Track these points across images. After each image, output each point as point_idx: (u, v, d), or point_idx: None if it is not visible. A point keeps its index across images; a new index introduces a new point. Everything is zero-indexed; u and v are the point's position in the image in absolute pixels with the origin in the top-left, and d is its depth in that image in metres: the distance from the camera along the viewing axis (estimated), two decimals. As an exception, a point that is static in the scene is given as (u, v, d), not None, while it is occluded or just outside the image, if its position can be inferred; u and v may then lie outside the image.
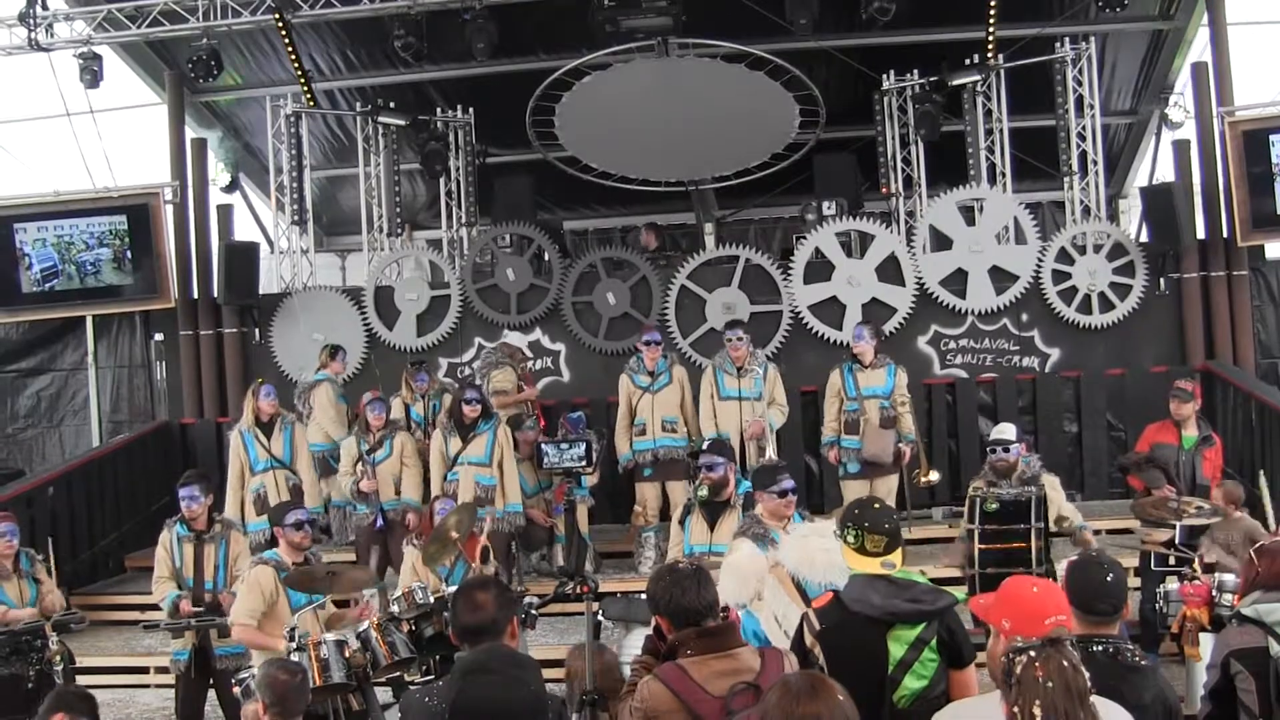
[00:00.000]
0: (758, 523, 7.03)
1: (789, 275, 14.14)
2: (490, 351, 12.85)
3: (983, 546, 8.26)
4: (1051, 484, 8.57)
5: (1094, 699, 3.52)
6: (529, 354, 13.60)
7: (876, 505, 5.01)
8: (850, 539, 4.82)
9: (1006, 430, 8.92)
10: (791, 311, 14.04)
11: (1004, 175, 14.56)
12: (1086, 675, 3.45)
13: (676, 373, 11.78)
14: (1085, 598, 4.31)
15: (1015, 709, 3.40)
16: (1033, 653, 3.46)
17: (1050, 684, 3.37)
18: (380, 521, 10.91)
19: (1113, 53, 16.05)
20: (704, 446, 9.11)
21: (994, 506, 8.27)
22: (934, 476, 11.78)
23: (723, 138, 14.36)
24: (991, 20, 14.05)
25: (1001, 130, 14.60)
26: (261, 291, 15.22)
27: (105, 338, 15.78)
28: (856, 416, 11.40)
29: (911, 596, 4.67)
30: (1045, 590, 3.92)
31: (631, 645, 7.06)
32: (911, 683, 4.59)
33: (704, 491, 8.37)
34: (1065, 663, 3.43)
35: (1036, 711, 3.35)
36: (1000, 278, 13.88)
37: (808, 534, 5.74)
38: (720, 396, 11.39)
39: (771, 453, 10.86)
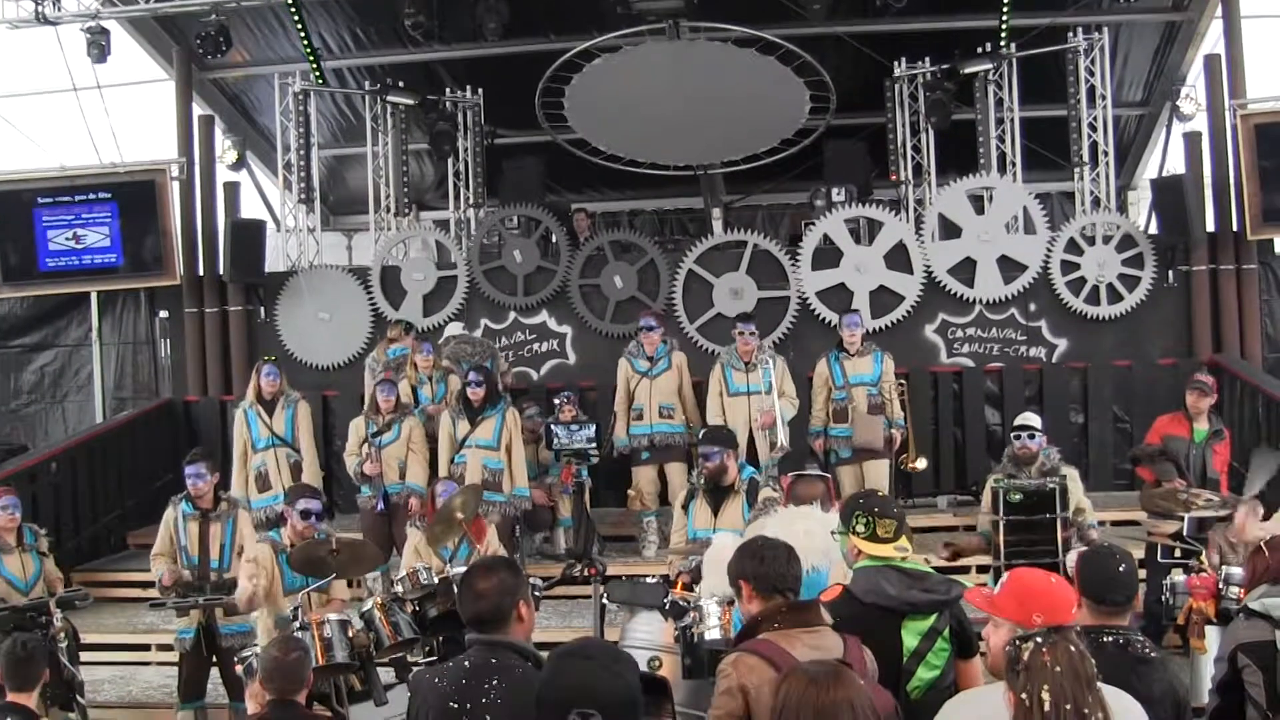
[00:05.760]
0: (775, 508, 6.99)
1: (797, 261, 14.12)
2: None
3: (1009, 538, 8.23)
4: (1072, 475, 8.51)
5: (1104, 688, 3.51)
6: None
7: (879, 493, 5.00)
8: (861, 528, 4.78)
9: (1031, 418, 8.89)
10: (799, 297, 14.01)
11: (1014, 165, 14.51)
12: (1093, 661, 3.44)
13: (676, 359, 11.73)
14: (1097, 588, 4.30)
15: (1023, 695, 3.39)
16: (1039, 639, 3.45)
17: (1059, 669, 3.37)
18: (381, 505, 10.90)
19: (1125, 43, 15.99)
20: (700, 435, 9.09)
21: (1018, 498, 8.24)
22: (921, 464, 11.81)
23: (733, 122, 14.31)
24: (1005, 9, 14.03)
25: (1012, 119, 14.57)
26: (267, 270, 15.15)
27: (110, 314, 15.76)
28: (845, 405, 11.38)
29: (926, 587, 4.64)
30: (1060, 581, 3.92)
31: (636, 629, 7.03)
32: (924, 673, 4.56)
33: (701, 480, 8.39)
34: (1072, 649, 3.43)
35: (1045, 697, 3.34)
36: (1009, 267, 13.86)
37: (793, 517, 5.68)
38: (729, 393, 11.29)
39: (784, 442, 10.84)
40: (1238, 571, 6.80)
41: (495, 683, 3.97)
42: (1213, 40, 14.85)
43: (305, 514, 7.71)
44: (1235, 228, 13.73)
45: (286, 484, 10.65)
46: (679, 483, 10.77)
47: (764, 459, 10.92)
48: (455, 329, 13.37)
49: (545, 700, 3.49)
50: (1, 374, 16.07)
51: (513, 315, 14.57)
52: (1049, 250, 13.80)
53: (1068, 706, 3.33)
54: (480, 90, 15.84)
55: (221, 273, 14.86)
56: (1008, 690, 3.49)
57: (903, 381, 11.69)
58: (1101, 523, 11.09)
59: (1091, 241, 13.82)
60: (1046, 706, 3.33)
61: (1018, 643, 3.51)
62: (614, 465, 12.32)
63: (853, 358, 11.43)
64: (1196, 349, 13.64)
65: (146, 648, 10.62)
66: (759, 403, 11.13)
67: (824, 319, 13.86)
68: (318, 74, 15.57)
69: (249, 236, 14.68)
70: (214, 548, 8.56)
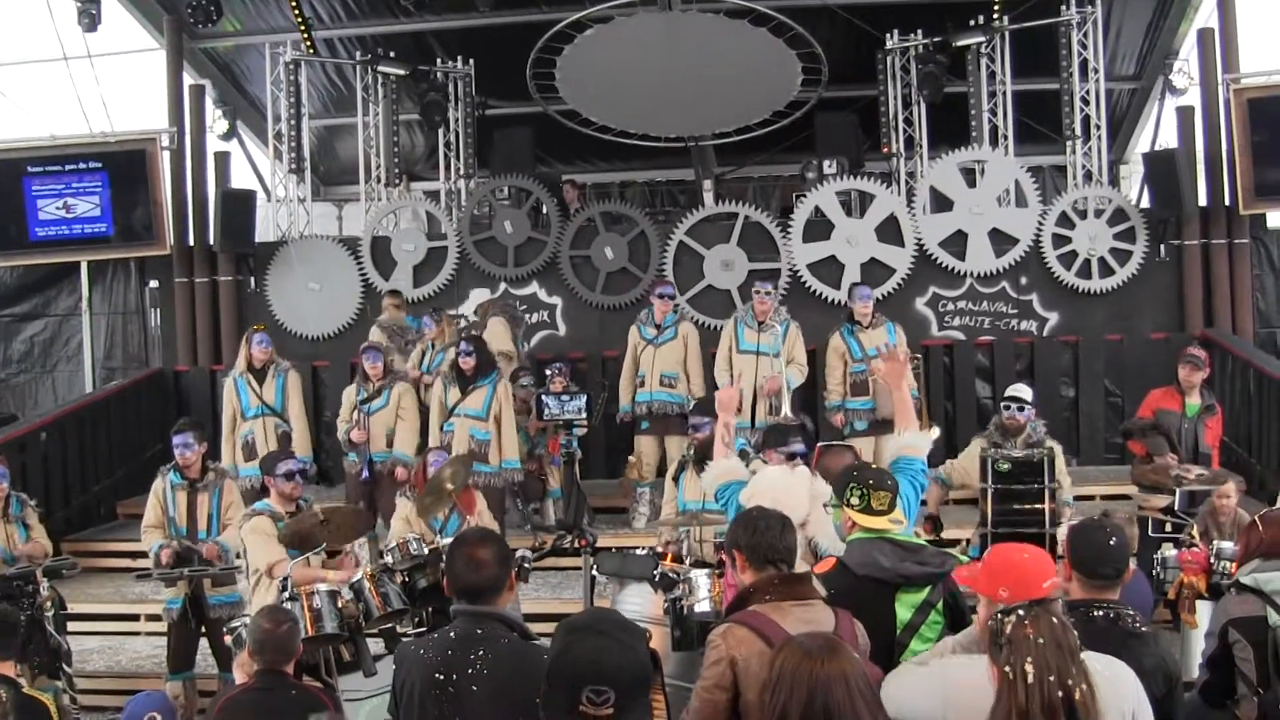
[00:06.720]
0: None
1: (788, 233, 14.07)
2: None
3: (996, 507, 8.25)
4: (1055, 450, 8.57)
5: (1103, 657, 3.51)
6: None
7: (872, 465, 5.00)
8: (855, 500, 4.76)
9: (1023, 390, 8.96)
10: (790, 270, 13.98)
11: (1006, 138, 14.46)
12: (1075, 633, 3.44)
13: (683, 329, 11.76)
14: (1088, 562, 4.29)
15: (1006, 668, 3.39)
16: (1021, 612, 3.45)
17: (1041, 641, 3.36)
18: (366, 473, 10.86)
19: (1119, 17, 15.92)
20: (690, 406, 9.08)
21: (1006, 466, 8.27)
22: (935, 432, 11.80)
23: (724, 94, 14.23)
24: (998, -19, 13.97)
25: (1005, 92, 14.49)
26: (257, 240, 15.10)
27: (100, 283, 15.70)
28: (864, 377, 11.36)
29: (920, 559, 4.63)
30: (1034, 555, 3.92)
31: (625, 601, 7.04)
32: (918, 646, 4.55)
33: (691, 451, 8.41)
34: (1054, 620, 3.43)
35: (1028, 669, 3.34)
36: (1000, 240, 13.83)
37: (823, 496, 5.61)
38: (738, 349, 11.37)
39: (788, 411, 10.85)
40: (1229, 546, 6.81)
41: (481, 653, 3.96)
42: (1206, 14, 14.79)
43: (289, 475, 7.69)
44: (1227, 202, 13.67)
45: (273, 453, 10.64)
46: (677, 456, 10.79)
47: (760, 421, 10.95)
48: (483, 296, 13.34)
49: (556, 677, 3.45)
50: (-9, 343, 16.04)
51: (503, 286, 14.50)
52: (1040, 224, 13.77)
53: (1051, 678, 3.33)
54: (471, 61, 15.76)
55: (212, 243, 14.77)
56: (990, 665, 3.49)
57: (918, 355, 11.67)
58: (1090, 497, 11.17)
59: (1083, 215, 13.79)
60: (1030, 679, 3.33)
61: (1000, 616, 3.51)
62: (606, 437, 12.28)
63: (866, 330, 11.46)
64: (1188, 323, 13.62)
65: (135, 618, 10.61)
66: (768, 364, 11.13)
67: (815, 291, 13.85)
68: (309, 44, 15.49)
69: (239, 206, 14.61)
70: (201, 518, 8.53)
